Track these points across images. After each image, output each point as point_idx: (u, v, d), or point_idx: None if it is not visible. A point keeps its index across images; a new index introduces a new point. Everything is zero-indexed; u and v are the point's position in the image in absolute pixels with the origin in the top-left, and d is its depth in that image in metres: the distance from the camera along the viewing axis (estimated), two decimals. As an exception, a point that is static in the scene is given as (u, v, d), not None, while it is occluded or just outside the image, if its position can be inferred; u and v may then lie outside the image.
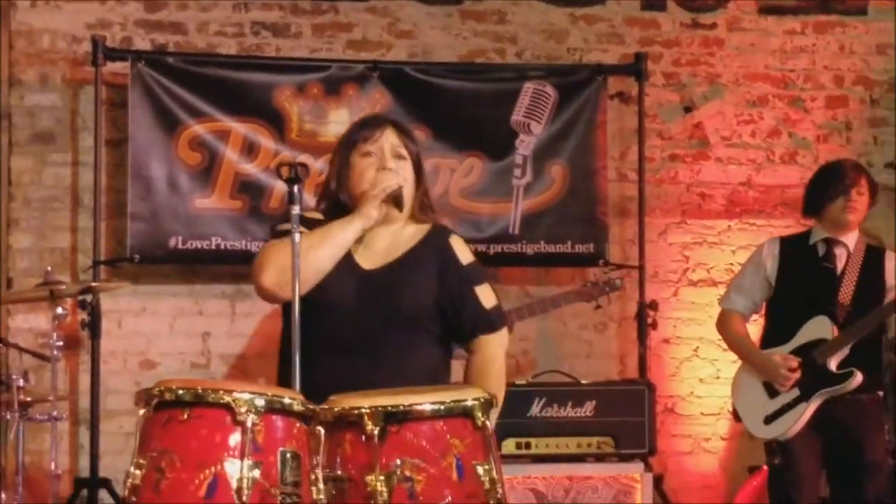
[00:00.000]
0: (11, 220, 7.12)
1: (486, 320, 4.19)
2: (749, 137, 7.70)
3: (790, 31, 7.76)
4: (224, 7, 7.33)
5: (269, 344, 7.11)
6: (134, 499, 3.38)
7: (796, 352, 5.67)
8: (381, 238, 4.13)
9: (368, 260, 4.09)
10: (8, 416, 5.70)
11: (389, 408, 3.53)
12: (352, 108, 7.13)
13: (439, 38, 7.51)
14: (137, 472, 3.39)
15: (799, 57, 7.77)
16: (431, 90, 7.24)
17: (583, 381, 6.88)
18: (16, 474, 5.72)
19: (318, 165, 6.86)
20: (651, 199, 7.41)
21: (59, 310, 5.87)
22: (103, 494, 6.62)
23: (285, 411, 3.44)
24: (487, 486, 3.57)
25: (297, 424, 3.47)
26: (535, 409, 6.55)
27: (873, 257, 5.90)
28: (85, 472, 6.74)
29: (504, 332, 4.28)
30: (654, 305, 7.09)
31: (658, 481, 6.67)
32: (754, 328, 5.99)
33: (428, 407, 3.56)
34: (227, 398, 3.38)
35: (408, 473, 3.49)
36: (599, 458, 6.59)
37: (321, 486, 3.49)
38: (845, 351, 5.60)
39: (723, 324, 5.98)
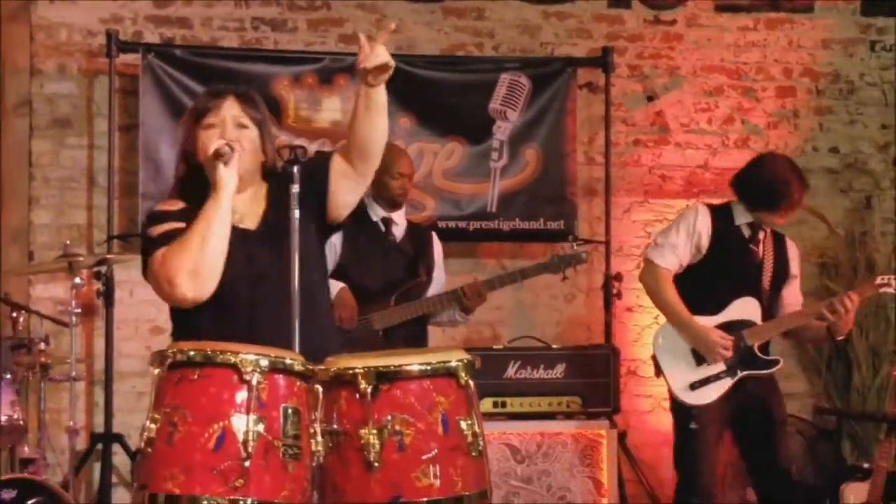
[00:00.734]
0: (32, 199, 7.13)
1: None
2: (706, 124, 7.73)
3: (743, 28, 7.78)
4: (226, 3, 7.34)
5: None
6: (149, 450, 3.40)
7: (725, 326, 5.61)
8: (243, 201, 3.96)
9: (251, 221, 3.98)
10: (30, 377, 5.72)
11: (381, 368, 3.56)
12: (343, 97, 7.15)
13: (423, 32, 7.52)
14: (153, 425, 3.41)
15: (751, 51, 7.79)
16: (416, 80, 7.23)
17: (553, 346, 6.92)
18: (38, 429, 5.74)
19: (313, 149, 6.93)
20: (616, 181, 7.44)
21: (77, 280, 5.88)
22: (116, 448, 6.65)
23: (287, 371, 3.46)
24: (470, 439, 3.60)
25: (298, 383, 3.49)
26: (511, 372, 6.57)
27: (780, 244, 5.88)
28: (100, 427, 6.77)
29: None
30: (618, 277, 7.13)
31: (622, 437, 6.72)
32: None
33: (416, 367, 3.59)
34: (234, 359, 3.40)
35: (398, 427, 3.52)
36: (568, 416, 6.60)
37: (319, 438, 3.52)
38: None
39: (655, 279, 5.72)
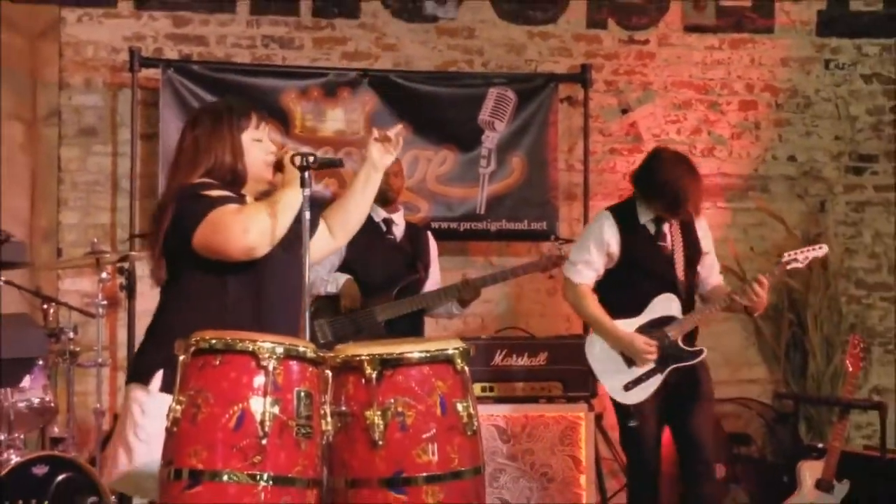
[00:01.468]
0: (61, 201, 7.12)
1: None
2: (675, 134, 7.74)
3: (710, 47, 7.79)
4: (239, 23, 7.33)
5: (276, 304, 7.17)
6: (175, 429, 3.41)
7: (649, 324, 5.52)
8: None
9: None
10: (60, 363, 5.72)
11: (385, 355, 3.58)
12: (346, 109, 7.17)
13: (418, 50, 7.52)
14: (178, 407, 3.42)
15: (717, 68, 7.80)
16: (412, 94, 7.26)
17: (537, 337, 6.93)
18: (67, 411, 5.74)
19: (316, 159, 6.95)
20: (594, 186, 7.45)
21: (104, 274, 5.90)
22: (138, 429, 6.65)
23: (300, 357, 3.48)
24: (465, 419, 3.63)
25: (310, 368, 3.51)
26: (498, 359, 6.57)
27: (687, 230, 5.66)
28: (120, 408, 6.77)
29: None
30: (595, 273, 7.14)
31: (598, 419, 6.73)
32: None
33: (416, 355, 3.62)
34: (252, 346, 3.42)
35: (400, 409, 3.54)
36: (550, 399, 6.59)
37: (329, 419, 3.53)
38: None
39: (576, 297, 5.63)
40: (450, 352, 3.65)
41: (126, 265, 6.40)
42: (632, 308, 5.53)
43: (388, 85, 7.24)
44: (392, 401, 3.54)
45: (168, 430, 3.44)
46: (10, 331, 3.82)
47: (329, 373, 3.57)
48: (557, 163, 7.44)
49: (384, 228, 6.25)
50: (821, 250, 5.62)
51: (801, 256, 5.57)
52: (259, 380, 3.39)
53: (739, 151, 7.78)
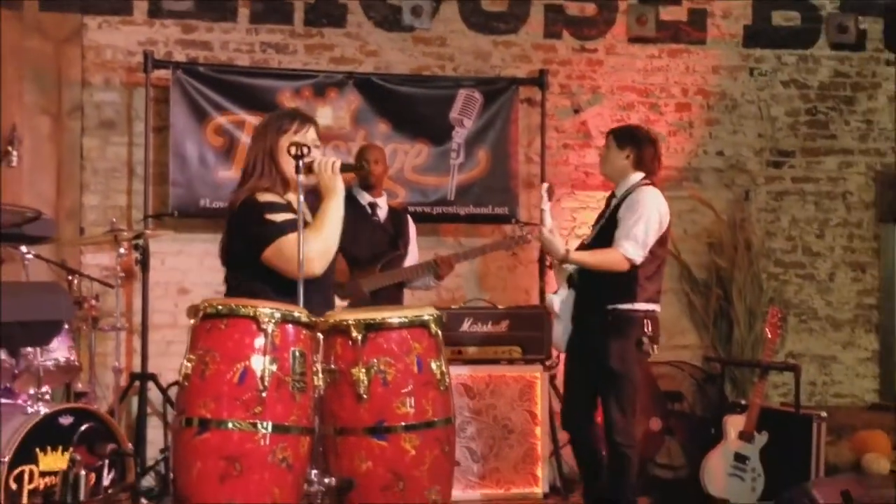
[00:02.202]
0: (83, 185, 7.09)
1: None
2: (620, 132, 7.76)
3: (650, 56, 7.79)
4: (240, 31, 7.30)
5: (271, 277, 7.17)
6: (186, 383, 3.44)
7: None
8: None
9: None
10: (83, 327, 5.71)
11: (369, 320, 3.63)
12: (334, 107, 7.15)
13: (397, 56, 7.50)
14: (188, 364, 3.45)
15: (656, 74, 7.81)
16: (391, 94, 7.23)
17: (499, 307, 6.94)
18: (89, 369, 5.74)
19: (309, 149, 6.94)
20: (549, 176, 7.41)
21: (121, 250, 5.88)
22: (150, 385, 6.65)
23: (295, 322, 3.50)
24: (439, 376, 3.67)
25: (304, 331, 3.53)
26: (465, 326, 6.59)
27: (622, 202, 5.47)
28: (137, 368, 6.74)
29: None
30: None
31: (552, 379, 6.73)
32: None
33: (396, 320, 3.66)
34: (253, 312, 3.45)
35: (382, 367, 3.58)
36: (510, 361, 6.63)
37: (320, 375, 3.57)
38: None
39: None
40: (425, 318, 3.69)
41: (140, 242, 6.37)
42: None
43: (370, 86, 7.22)
44: (375, 360, 3.58)
45: (180, 385, 3.46)
46: (41, 296, 3.82)
47: (320, 335, 3.60)
48: (518, 155, 7.42)
49: (370, 211, 6.27)
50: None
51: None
52: (259, 341, 3.43)
53: (675, 147, 7.79)
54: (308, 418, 3.50)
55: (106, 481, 5.06)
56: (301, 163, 3.85)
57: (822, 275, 7.96)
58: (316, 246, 3.83)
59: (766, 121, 7.94)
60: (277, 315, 3.45)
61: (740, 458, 6.19)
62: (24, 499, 4.68)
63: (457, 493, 6.16)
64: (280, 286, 3.82)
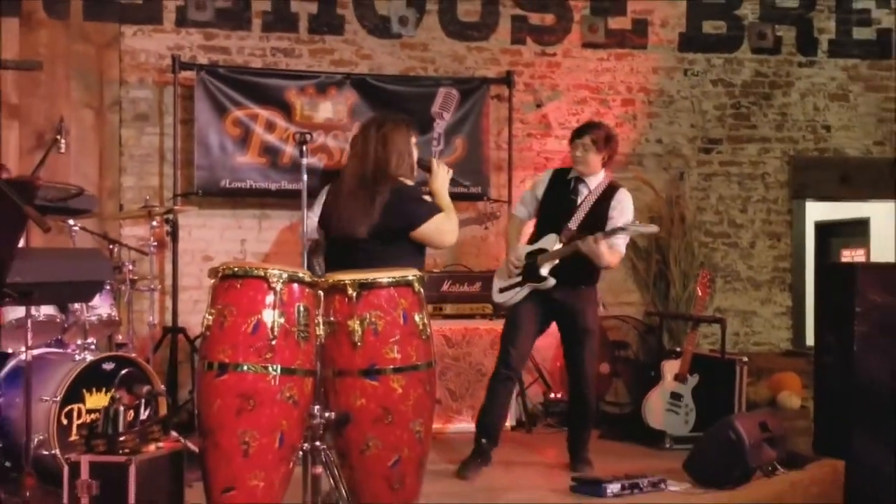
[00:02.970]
0: (122, 169, 7.05)
1: None
2: (575, 123, 7.53)
3: (600, 59, 7.77)
4: (254, 38, 7.25)
5: (281, 246, 7.15)
6: (208, 333, 3.44)
7: (532, 252, 5.30)
8: None
9: None
10: (122, 288, 5.69)
11: (362, 280, 3.62)
12: (333, 102, 7.11)
13: (387, 60, 7.46)
14: (209, 317, 3.45)
15: (605, 74, 7.79)
16: (382, 92, 7.19)
17: (473, 270, 6.96)
18: (127, 324, 5.72)
19: (314, 136, 6.92)
20: (515, 161, 7.45)
21: (154, 223, 5.86)
22: (180, 337, 6.64)
23: (300, 281, 3.50)
24: (421, 327, 3.67)
25: (307, 289, 3.53)
26: (445, 287, 6.62)
27: (608, 194, 5.35)
28: (169, 323, 6.74)
29: None
30: (517, 224, 7.14)
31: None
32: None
33: (385, 280, 3.66)
34: (264, 273, 3.44)
35: (373, 320, 3.58)
36: (483, 316, 6.66)
37: (321, 327, 3.56)
38: (556, 261, 5.22)
39: (509, 223, 5.63)
40: (410, 278, 3.69)
41: (170, 216, 6.33)
42: (533, 238, 5.39)
43: (364, 85, 7.18)
44: (367, 313, 3.58)
45: (202, 334, 3.45)
46: (86, 260, 3.81)
47: (321, 293, 3.59)
48: (489, 143, 7.41)
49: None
50: (653, 227, 5.41)
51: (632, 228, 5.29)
52: (270, 298, 3.43)
53: (622, 136, 7.65)
54: (311, 362, 3.50)
55: (142, 417, 5.05)
56: (304, 147, 3.91)
57: (745, 243, 7.98)
58: (454, 227, 4.26)
59: (698, 114, 7.93)
60: (285, 276, 3.44)
61: (676, 396, 6.22)
62: (73, 431, 4.67)
63: (438, 425, 6.25)
64: (418, 255, 4.20)
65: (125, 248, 6.16)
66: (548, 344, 6.66)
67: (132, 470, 3.24)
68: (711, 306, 7.74)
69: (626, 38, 7.80)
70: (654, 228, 5.35)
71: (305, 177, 3.87)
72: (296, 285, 3.48)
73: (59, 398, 4.66)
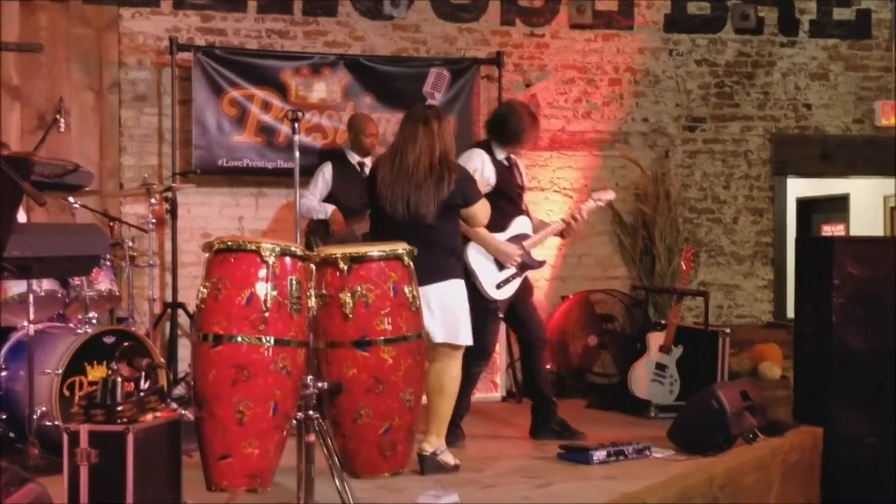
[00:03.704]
0: (122, 148, 7.01)
1: None
2: (563, 103, 7.71)
3: (588, 39, 7.73)
4: (249, 19, 7.19)
5: (279, 224, 7.12)
6: (203, 306, 3.42)
7: (512, 240, 5.22)
8: None
9: None
10: (123, 264, 5.67)
11: (353, 254, 3.61)
12: (327, 83, 7.07)
13: (380, 41, 7.41)
14: (205, 290, 3.43)
15: (593, 55, 7.75)
16: (375, 73, 7.15)
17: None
18: (128, 298, 5.71)
19: (306, 116, 6.88)
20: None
21: (152, 200, 5.83)
22: (180, 312, 6.63)
23: (292, 255, 3.48)
24: (411, 299, 3.67)
25: (299, 263, 3.51)
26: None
27: (518, 165, 5.38)
28: (169, 298, 6.73)
29: None
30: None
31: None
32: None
33: (376, 253, 3.65)
34: (256, 247, 3.42)
35: (364, 292, 3.57)
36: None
37: (314, 299, 3.55)
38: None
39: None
40: (399, 252, 3.68)
41: (169, 194, 6.31)
42: (498, 226, 5.17)
43: (357, 66, 7.14)
44: (358, 286, 3.57)
45: (198, 307, 3.43)
46: (83, 235, 3.79)
47: (313, 266, 3.58)
48: (480, 123, 7.28)
49: (359, 169, 6.24)
50: (610, 194, 5.67)
51: (604, 198, 5.57)
52: (262, 271, 3.41)
53: (608, 115, 7.77)
54: (304, 334, 3.49)
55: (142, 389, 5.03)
56: (296, 125, 3.94)
57: (728, 218, 7.98)
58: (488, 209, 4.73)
59: (683, 93, 7.91)
60: (277, 249, 3.42)
61: (660, 366, 6.23)
62: (75, 403, 4.66)
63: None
64: (457, 233, 4.62)
65: (125, 226, 6.14)
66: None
67: (130, 438, 3.22)
68: (695, 280, 7.75)
69: (612, 20, 7.76)
70: (611, 195, 5.64)
71: (298, 153, 3.86)
72: (288, 259, 3.45)
73: (60, 371, 4.65)
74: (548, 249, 7.43)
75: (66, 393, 4.67)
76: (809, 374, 5.81)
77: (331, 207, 6.14)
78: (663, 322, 6.48)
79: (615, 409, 6.34)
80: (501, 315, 5.30)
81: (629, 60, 7.81)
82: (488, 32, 7.58)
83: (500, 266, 5.22)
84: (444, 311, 4.36)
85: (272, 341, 3.36)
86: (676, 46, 7.89)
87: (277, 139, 6.95)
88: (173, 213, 6.52)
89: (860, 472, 5.46)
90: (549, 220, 5.71)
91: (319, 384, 3.52)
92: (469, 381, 5.25)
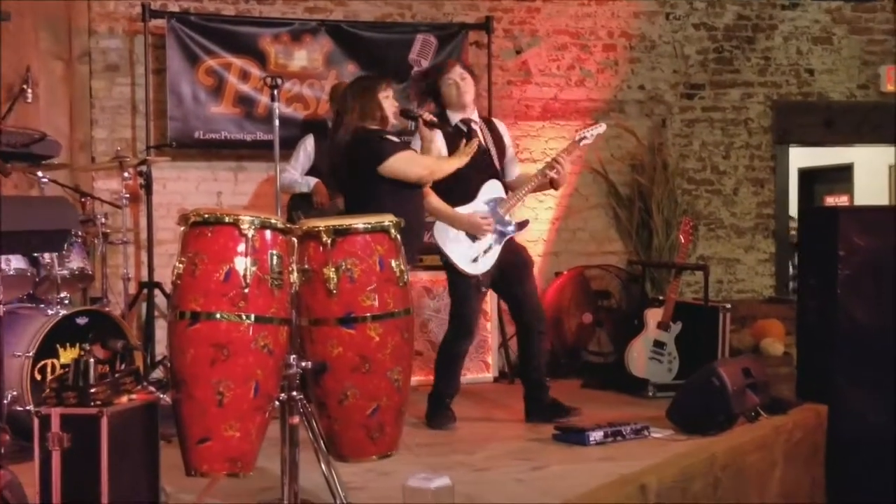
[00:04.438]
0: (93, 121, 6.95)
1: None
2: (556, 70, 7.67)
3: (581, 3, 7.68)
4: (226, -15, 7.16)
5: (259, 199, 7.07)
6: (179, 282, 3.37)
7: (483, 206, 5.08)
8: None
9: None
10: (95, 242, 5.62)
11: (337, 226, 3.56)
12: (308, 50, 7.02)
13: (363, 6, 7.34)
14: (180, 265, 3.37)
15: (586, 19, 7.71)
16: (358, 39, 7.09)
17: (453, 220, 6.89)
18: (102, 278, 5.65)
19: (287, 86, 6.83)
20: (496, 109, 7.34)
21: (126, 174, 5.77)
22: (157, 292, 6.57)
23: (272, 227, 3.42)
24: (398, 274, 3.62)
25: (280, 236, 3.46)
26: (426, 238, 6.47)
27: (491, 126, 5.27)
28: (145, 277, 6.67)
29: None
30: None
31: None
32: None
33: (361, 226, 3.60)
34: (235, 219, 3.36)
35: (349, 267, 3.52)
36: (464, 266, 6.60)
37: (296, 274, 3.50)
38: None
39: (427, 197, 5.01)
40: (386, 224, 3.64)
41: (144, 169, 6.25)
42: (464, 198, 5.08)
43: (340, 32, 7.08)
44: (343, 260, 3.52)
45: (174, 283, 3.39)
46: (51, 209, 3.73)
47: (295, 240, 3.53)
48: (468, 91, 7.30)
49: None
50: (601, 127, 5.34)
51: (589, 133, 5.28)
52: (241, 245, 3.35)
53: (603, 82, 7.73)
54: (286, 311, 3.44)
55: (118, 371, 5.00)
56: (275, 91, 3.88)
57: (728, 190, 7.96)
58: (429, 162, 4.83)
59: (680, 59, 7.88)
60: (256, 222, 3.37)
61: (659, 344, 6.21)
62: (47, 385, 4.61)
63: (420, 378, 6.21)
64: (395, 191, 4.64)
65: (98, 202, 6.08)
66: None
67: (104, 422, 3.18)
68: (694, 254, 7.74)
69: (607, -18, 7.73)
70: (602, 127, 5.39)
71: (277, 122, 3.79)
72: (268, 232, 3.40)
73: (31, 353, 4.61)
74: (542, 224, 7.46)
75: (38, 376, 4.63)
76: (813, 350, 5.79)
77: (313, 180, 6.10)
78: (661, 298, 6.45)
79: (611, 388, 6.30)
80: (484, 289, 5.18)
81: (624, 25, 7.76)
82: (478, -3, 7.53)
83: (474, 238, 5.09)
84: None
85: (253, 319, 3.31)
86: (673, 10, 7.85)
87: (256, 110, 6.89)
88: (148, 188, 6.44)
89: (866, 451, 5.45)
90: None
91: (303, 364, 3.47)
92: (454, 361, 5.23)
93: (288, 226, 3.48)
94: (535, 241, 7.44)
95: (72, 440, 3.21)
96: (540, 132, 7.62)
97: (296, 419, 3.45)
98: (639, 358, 6.22)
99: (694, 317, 6.25)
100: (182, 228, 3.41)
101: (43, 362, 4.69)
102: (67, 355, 4.74)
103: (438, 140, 4.99)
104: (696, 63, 7.89)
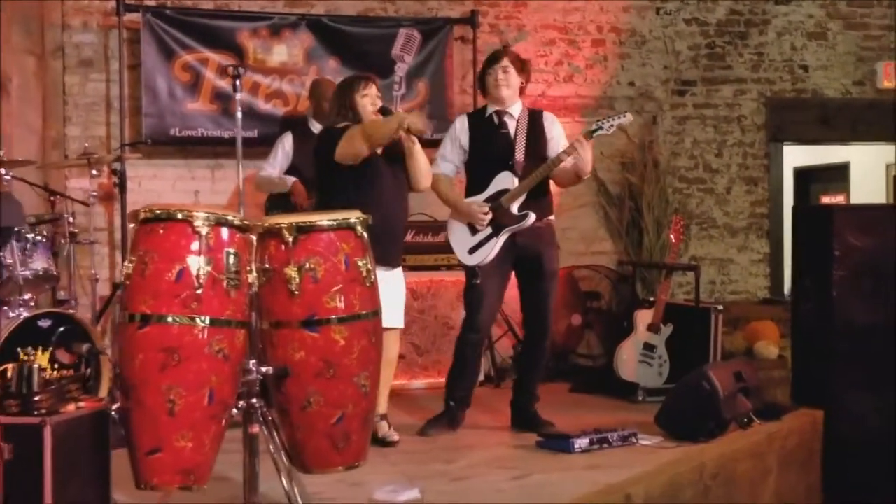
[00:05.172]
0: (66, 118, 6.74)
1: None
2: (544, 66, 7.47)
3: (570, -2, 7.54)
4: (203, -23, 6.96)
5: (236, 198, 6.83)
6: (128, 282, 3.17)
7: (490, 198, 4.97)
8: None
9: None
10: (62, 242, 5.42)
11: (300, 223, 3.38)
12: (288, 45, 6.84)
13: (345, 0, 7.17)
14: (130, 265, 3.18)
15: (575, 14, 7.52)
16: (341, 34, 6.91)
17: (438, 220, 6.70)
18: (69, 279, 5.45)
19: (266, 81, 6.66)
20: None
21: (94, 172, 5.58)
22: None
23: (228, 224, 3.23)
24: (365, 273, 3.43)
25: (237, 234, 3.26)
26: (409, 237, 6.35)
27: (534, 119, 5.11)
28: (119, 278, 6.46)
29: None
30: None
31: (485, 282, 6.54)
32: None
33: (325, 223, 3.41)
34: (188, 216, 3.16)
35: (312, 266, 3.34)
36: (449, 268, 6.45)
37: (255, 274, 3.31)
38: (524, 196, 4.93)
39: (434, 184, 5.05)
40: (352, 220, 3.45)
41: (118, 166, 6.06)
42: (477, 189, 5.04)
43: (321, 27, 6.88)
44: (306, 259, 3.32)
45: (123, 284, 3.19)
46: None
47: (254, 237, 3.33)
48: (453, 87, 7.14)
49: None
50: (625, 118, 5.10)
51: (607, 125, 5.03)
52: (195, 243, 3.15)
53: (592, 78, 7.55)
54: (243, 313, 3.24)
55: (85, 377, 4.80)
56: (237, 82, 3.86)
57: (720, 188, 7.81)
58: (356, 136, 4.63)
59: (671, 54, 7.71)
60: (211, 218, 3.17)
61: (649, 346, 6.08)
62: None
63: (403, 381, 6.05)
64: (357, 181, 4.59)
65: (69, 201, 5.86)
66: (517, 295, 6.43)
67: (47, 431, 2.99)
68: (686, 254, 7.59)
69: (595, -24, 7.54)
70: (629, 118, 5.13)
71: (240, 113, 3.64)
72: (224, 229, 3.20)
73: (-10, 357, 4.39)
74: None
75: (-4, 382, 4.41)
76: (809, 353, 5.67)
77: (291, 179, 5.91)
78: (651, 299, 6.31)
79: (600, 392, 6.16)
80: (478, 281, 5.00)
81: (613, 19, 7.58)
82: (462, -10, 7.33)
83: (474, 229, 5.02)
84: None
85: (207, 321, 3.11)
86: (664, 4, 7.68)
87: (234, 106, 6.64)
88: (122, 186, 6.24)
89: (864, 457, 5.33)
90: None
91: (263, 369, 3.29)
92: (459, 358, 5.11)
93: (246, 222, 3.28)
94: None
95: (13, 451, 3.03)
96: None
97: (256, 428, 3.25)
98: (628, 361, 6.10)
99: (685, 319, 6.13)
100: (132, 226, 3.22)
101: (3, 366, 4.45)
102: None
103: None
104: (688, 59, 7.71)
